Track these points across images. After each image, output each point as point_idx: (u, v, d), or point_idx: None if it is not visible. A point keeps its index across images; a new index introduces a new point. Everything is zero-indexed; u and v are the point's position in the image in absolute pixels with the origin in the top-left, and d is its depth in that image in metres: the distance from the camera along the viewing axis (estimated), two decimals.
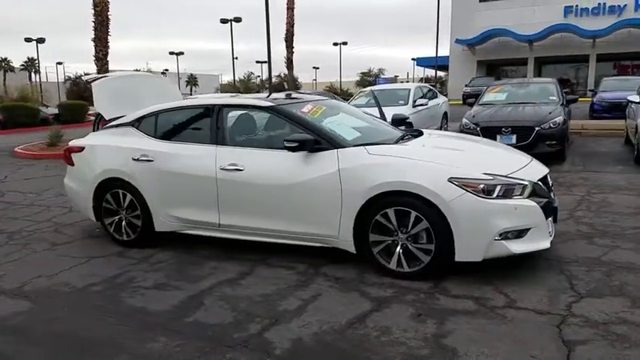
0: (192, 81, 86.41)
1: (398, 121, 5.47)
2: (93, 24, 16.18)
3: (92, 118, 31.65)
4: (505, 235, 3.63)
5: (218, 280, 4.07)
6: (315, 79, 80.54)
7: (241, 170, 4.30)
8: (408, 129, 5.16)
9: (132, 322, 3.41)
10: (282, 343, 3.02)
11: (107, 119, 5.36)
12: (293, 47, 24.99)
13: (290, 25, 24.64)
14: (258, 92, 37.41)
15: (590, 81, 32.33)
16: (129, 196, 4.88)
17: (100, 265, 4.60)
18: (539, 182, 3.95)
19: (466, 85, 31.28)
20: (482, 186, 3.60)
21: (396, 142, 4.42)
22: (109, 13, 16.23)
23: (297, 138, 4.03)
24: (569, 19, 33.12)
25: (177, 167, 4.59)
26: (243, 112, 4.77)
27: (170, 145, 4.74)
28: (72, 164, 5.30)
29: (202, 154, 4.53)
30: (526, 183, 3.76)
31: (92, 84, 5.27)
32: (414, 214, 3.70)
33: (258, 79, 69.18)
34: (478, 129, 8.68)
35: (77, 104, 29.15)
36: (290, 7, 24.49)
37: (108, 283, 4.15)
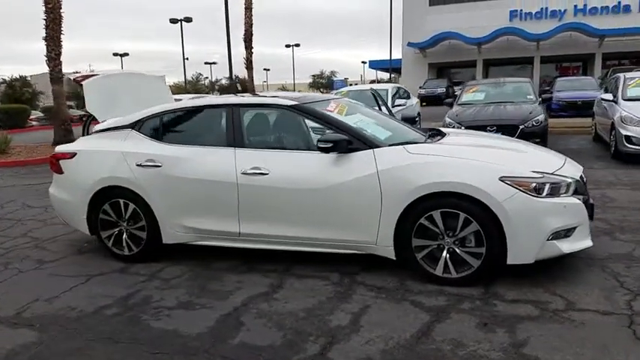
0: None
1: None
2: (44, 22, 15.07)
3: (34, 123, 29.93)
4: (556, 235, 3.51)
5: (249, 295, 3.71)
6: (266, 81, 79.93)
7: (266, 174, 3.96)
8: (431, 128, 4.98)
9: (169, 349, 3.02)
10: None
11: (100, 121, 4.85)
12: (252, 48, 24.48)
13: (249, 25, 24.13)
14: (207, 94, 36.40)
15: (535, 82, 33.68)
16: (131, 206, 4.43)
17: (104, 284, 4.13)
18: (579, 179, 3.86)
19: (420, 87, 31.82)
20: (534, 185, 3.46)
21: (427, 141, 4.22)
22: (61, 10, 15.18)
23: (331, 138, 3.75)
24: (514, 22, 34.32)
25: (189, 172, 4.19)
26: (262, 111, 4.42)
27: (180, 149, 4.33)
28: (60, 172, 4.77)
29: (219, 158, 4.16)
30: (571, 180, 3.65)
31: (83, 83, 4.76)
32: (462, 215, 3.51)
33: (207, 80, 67.73)
34: (462, 128, 8.66)
35: (18, 108, 27.43)
36: (248, 7, 24.01)
37: (122, 304, 3.70)
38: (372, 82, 55.44)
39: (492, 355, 2.76)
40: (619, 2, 31.64)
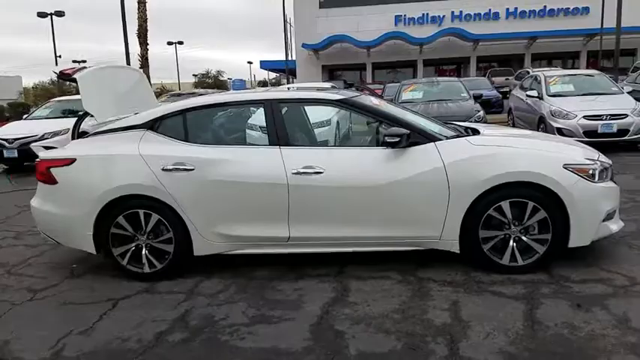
0: None
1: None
2: None
3: None
4: (607, 217, 3.77)
5: (323, 302, 3.48)
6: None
7: (321, 173, 3.74)
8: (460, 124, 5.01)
9: None
10: None
11: (98, 122, 4.21)
12: (147, 44, 22.88)
13: (143, 20, 22.46)
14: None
15: None
16: (154, 217, 3.90)
17: (140, 307, 3.59)
18: None
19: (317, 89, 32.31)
20: (590, 170, 3.68)
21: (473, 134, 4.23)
22: None
23: (398, 132, 3.65)
24: (399, 27, 36.37)
25: (229, 175, 3.80)
26: (303, 107, 4.16)
27: (214, 150, 3.91)
28: (52, 182, 4.05)
29: (264, 158, 3.83)
30: (608, 165, 3.94)
31: (76, 77, 4.07)
32: (531, 204, 3.62)
33: None
34: None
35: None
36: (142, 1, 22.39)
37: (183, 327, 3.25)
38: (261, 84, 55.19)
39: (611, 333, 2.88)
40: (489, 10, 34.95)
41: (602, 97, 9.25)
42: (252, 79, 63.01)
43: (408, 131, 3.69)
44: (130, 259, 4.01)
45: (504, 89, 22.72)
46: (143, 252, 3.99)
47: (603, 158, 3.96)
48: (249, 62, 64.66)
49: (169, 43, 54.52)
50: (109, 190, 3.88)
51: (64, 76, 4.17)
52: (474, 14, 35.42)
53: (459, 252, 3.80)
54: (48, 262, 4.64)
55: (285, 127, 3.92)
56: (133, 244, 3.99)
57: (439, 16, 36.03)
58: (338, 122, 4.44)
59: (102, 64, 4.54)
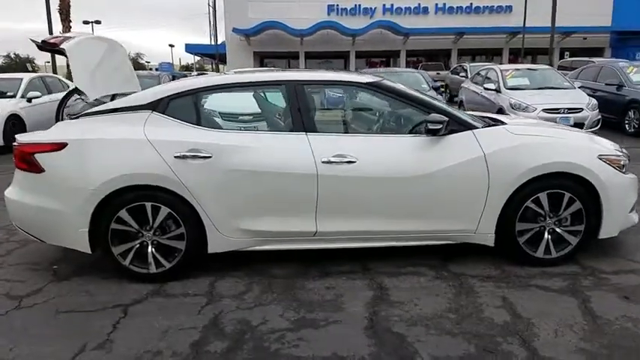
0: None
1: None
2: None
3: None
4: (632, 208, 3.81)
5: (364, 302, 3.22)
6: (49, 62, 69.30)
7: (354, 162, 3.45)
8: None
9: None
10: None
11: (90, 100, 3.63)
12: (70, 21, 21.07)
13: None
14: None
15: None
16: (164, 210, 3.43)
17: (157, 313, 3.13)
18: None
19: None
20: (622, 162, 3.69)
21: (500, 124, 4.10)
22: None
23: (439, 119, 3.44)
24: (332, 17, 36.28)
25: (252, 164, 3.41)
26: (328, 90, 3.82)
27: (233, 136, 3.49)
28: (37, 170, 3.43)
29: (290, 146, 3.48)
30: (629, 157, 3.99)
31: (64, 47, 3.46)
32: (567, 195, 3.57)
33: None
34: None
35: None
36: None
37: (220, 335, 2.86)
38: (184, 68, 53.16)
39: None
40: (419, 4, 35.83)
41: (557, 92, 9.65)
42: (179, 62, 60.39)
43: (448, 118, 3.50)
44: (135, 259, 3.50)
45: (437, 83, 23.42)
46: (149, 250, 3.49)
47: (624, 150, 4.01)
48: (171, 45, 61.54)
49: (85, 22, 50.72)
50: (110, 180, 3.34)
51: (49, 47, 3.54)
52: (405, 8, 36.13)
53: (493, 245, 3.68)
54: (20, 263, 3.97)
55: (310, 111, 3.59)
56: (137, 242, 3.49)
57: (371, 7, 36.38)
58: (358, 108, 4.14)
59: (84, 34, 3.92)
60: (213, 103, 3.67)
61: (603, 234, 3.70)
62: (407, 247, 3.81)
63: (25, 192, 3.53)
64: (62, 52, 3.55)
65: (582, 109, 9.02)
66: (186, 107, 3.56)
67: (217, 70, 36.51)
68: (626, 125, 10.03)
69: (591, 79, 11.31)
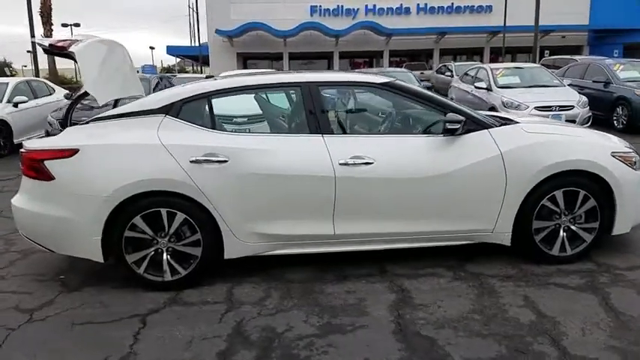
0: None
1: None
2: None
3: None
4: None
5: (387, 305, 3.19)
6: (26, 66, 67.75)
7: (371, 164, 3.42)
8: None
9: None
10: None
11: (100, 104, 3.53)
12: (52, 24, 20.68)
13: None
14: None
15: None
16: (179, 216, 3.35)
17: (176, 322, 3.05)
18: None
19: None
20: (634, 159, 3.73)
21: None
22: None
23: (457, 118, 3.44)
24: (314, 17, 36.28)
25: (269, 168, 3.36)
26: (343, 91, 3.78)
27: (249, 139, 3.43)
28: (48, 178, 3.33)
29: (307, 148, 3.43)
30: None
31: (74, 51, 3.36)
32: (582, 193, 3.59)
33: None
34: None
35: None
36: None
37: (247, 343, 2.81)
38: (165, 70, 52.62)
39: None
40: (401, 4, 36.03)
41: (548, 89, 9.77)
42: (160, 64, 59.52)
43: (465, 117, 3.49)
44: (149, 267, 3.42)
45: (425, 83, 23.56)
46: (164, 257, 3.41)
47: (631, 147, 4.06)
48: (152, 48, 60.77)
49: (64, 25, 49.87)
50: (124, 187, 3.26)
51: (57, 50, 3.43)
52: (387, 8, 36.29)
53: (509, 245, 3.68)
54: (25, 274, 3.85)
55: (325, 112, 3.55)
56: (152, 249, 3.41)
57: (353, 8, 36.45)
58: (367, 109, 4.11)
59: (89, 37, 3.82)
60: (228, 106, 3.61)
61: (616, 230, 3.73)
62: (422, 249, 3.78)
63: (33, 200, 3.42)
64: (70, 56, 3.44)
65: (573, 107, 9.15)
66: (200, 111, 3.50)
67: (201, 72, 36.14)
68: (614, 121, 10.20)
69: (578, 76, 11.48)
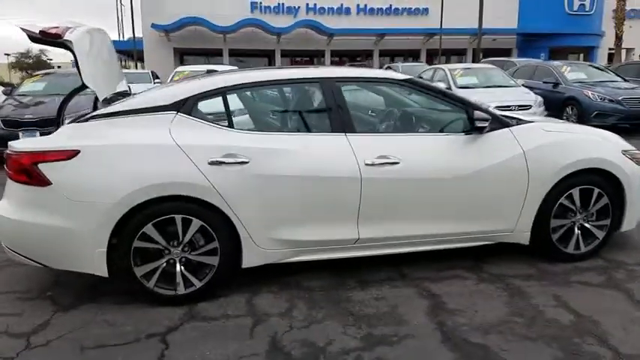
0: None
1: None
2: None
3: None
4: None
5: (424, 312, 3.06)
6: None
7: (397, 163, 3.28)
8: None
9: None
10: None
11: (100, 99, 3.14)
12: None
13: None
14: None
15: None
16: (195, 223, 3.05)
17: (201, 340, 2.77)
18: None
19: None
20: (639, 156, 3.83)
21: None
22: None
23: (484, 116, 3.37)
24: (255, 14, 35.72)
25: (293, 169, 3.13)
26: (361, 88, 3.60)
27: (271, 138, 3.18)
28: (42, 183, 2.91)
29: (331, 147, 3.23)
30: None
31: (72, 39, 2.95)
32: (596, 191, 3.64)
33: None
34: None
35: None
36: None
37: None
38: None
39: None
40: (342, 5, 36.27)
41: (505, 90, 10.08)
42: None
43: (491, 116, 3.43)
44: (160, 280, 3.09)
45: None
46: (177, 268, 3.10)
47: None
48: None
49: None
50: (135, 192, 2.91)
51: (50, 38, 3.00)
52: (328, 8, 36.43)
53: (527, 244, 3.67)
54: (4, 292, 3.38)
55: (347, 110, 3.37)
56: (164, 260, 3.08)
57: (294, 7, 36.29)
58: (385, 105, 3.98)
59: (78, 24, 3.40)
60: (244, 102, 3.33)
61: (624, 227, 3.82)
62: (435, 251, 3.70)
63: (23, 209, 2.98)
64: (64, 45, 3.03)
65: (531, 106, 9.49)
66: (215, 108, 3.21)
67: (136, 67, 34.52)
68: (565, 120, 10.71)
69: (528, 77, 11.96)
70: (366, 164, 3.23)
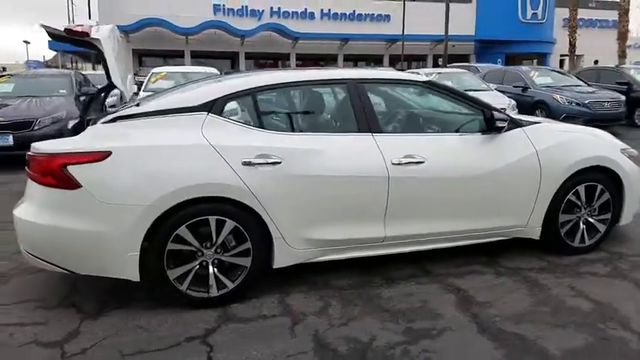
0: None
1: None
2: None
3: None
4: None
5: (454, 306, 3.16)
6: None
7: (422, 163, 3.38)
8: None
9: None
10: None
11: (127, 99, 3.09)
12: None
13: None
14: None
15: None
16: (230, 224, 3.04)
17: (244, 341, 2.76)
18: None
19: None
20: (635, 154, 4.08)
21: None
22: None
23: (504, 117, 3.52)
24: (218, 16, 35.34)
25: (324, 168, 3.17)
26: (383, 89, 3.67)
27: (302, 139, 3.21)
28: (71, 186, 2.83)
29: (359, 148, 3.30)
30: None
31: (100, 37, 2.89)
32: (599, 187, 3.85)
33: None
34: None
35: None
36: None
37: (340, 357, 2.63)
38: (47, 66, 48.10)
39: None
40: (305, 9, 36.40)
41: (479, 94, 10.34)
42: (42, 59, 53.57)
43: (509, 116, 3.59)
44: (193, 283, 3.06)
45: None
46: (210, 270, 3.08)
47: None
48: (26, 42, 54.81)
49: None
50: (170, 193, 2.88)
51: (77, 37, 2.93)
52: (292, 12, 36.46)
53: (538, 238, 3.84)
54: (22, 301, 3.24)
55: (373, 110, 3.44)
56: (197, 262, 3.05)
57: (258, 10, 36.14)
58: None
59: (97, 23, 3.33)
60: (273, 102, 3.35)
61: (623, 221, 4.06)
62: (450, 248, 3.81)
63: (49, 212, 2.89)
64: (90, 44, 2.96)
65: (505, 109, 9.82)
66: (246, 108, 3.21)
67: (93, 69, 33.50)
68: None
69: (498, 82, 12.39)
70: (393, 163, 3.31)
